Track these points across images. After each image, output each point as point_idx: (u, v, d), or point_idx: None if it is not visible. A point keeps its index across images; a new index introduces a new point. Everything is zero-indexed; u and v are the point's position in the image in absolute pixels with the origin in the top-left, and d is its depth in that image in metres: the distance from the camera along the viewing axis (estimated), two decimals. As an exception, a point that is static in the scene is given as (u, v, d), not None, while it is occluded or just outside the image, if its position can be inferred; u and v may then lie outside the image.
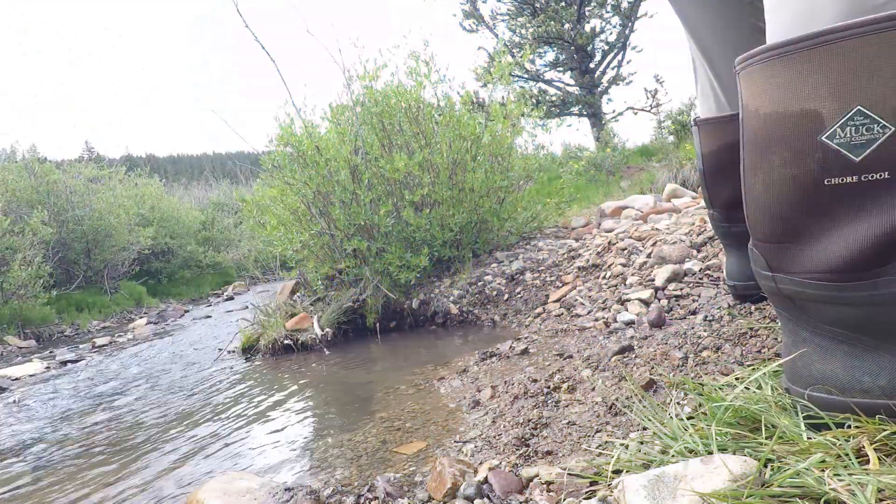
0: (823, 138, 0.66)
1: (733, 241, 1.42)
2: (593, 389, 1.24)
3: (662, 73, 23.69)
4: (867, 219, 0.66)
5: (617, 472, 0.80)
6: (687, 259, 2.02)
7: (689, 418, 0.87)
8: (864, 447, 0.64)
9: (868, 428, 0.67)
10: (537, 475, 0.91)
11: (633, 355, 1.39)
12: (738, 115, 1.24)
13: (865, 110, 0.62)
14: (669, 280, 1.92)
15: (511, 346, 1.85)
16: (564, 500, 0.81)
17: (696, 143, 1.37)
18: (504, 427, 1.18)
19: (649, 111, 13.24)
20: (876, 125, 0.62)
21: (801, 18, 0.69)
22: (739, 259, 1.43)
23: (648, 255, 2.23)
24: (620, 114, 13.89)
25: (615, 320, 1.83)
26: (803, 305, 0.75)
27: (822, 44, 0.63)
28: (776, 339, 1.19)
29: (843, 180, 0.66)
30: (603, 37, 13.60)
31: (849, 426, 0.69)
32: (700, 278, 1.86)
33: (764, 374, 0.89)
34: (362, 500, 0.99)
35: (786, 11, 0.71)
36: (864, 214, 0.66)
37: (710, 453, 0.71)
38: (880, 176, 0.64)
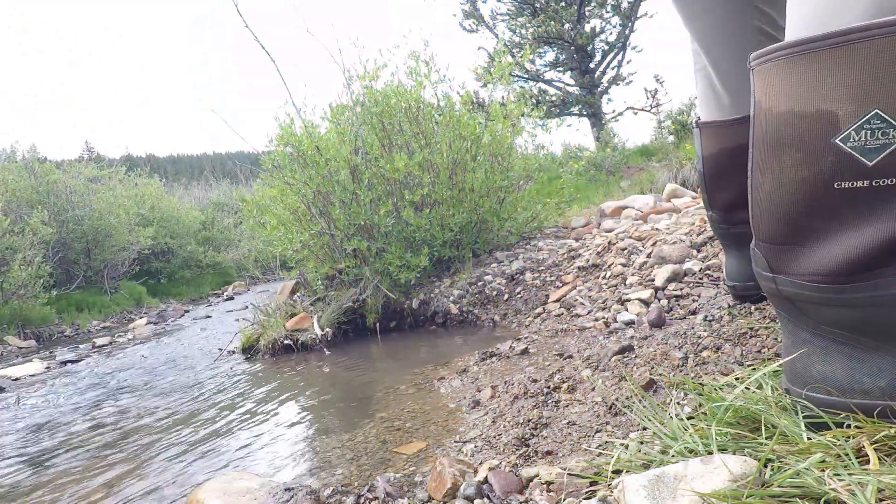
0: (837, 141, 0.64)
1: (732, 242, 1.42)
2: (593, 389, 1.24)
3: (662, 73, 23.71)
4: (875, 223, 0.65)
5: (617, 472, 0.80)
6: (687, 259, 2.02)
7: (689, 418, 0.87)
8: (864, 447, 0.64)
9: (868, 428, 0.67)
10: (537, 475, 0.91)
11: (633, 355, 1.39)
12: (739, 120, 1.25)
13: (883, 114, 0.61)
14: (669, 280, 1.92)
15: (511, 346, 1.85)
16: (564, 500, 0.81)
17: (697, 145, 1.37)
18: (504, 427, 1.18)
19: (649, 111, 13.24)
20: (892, 130, 0.61)
21: (823, 15, 0.67)
22: (739, 260, 1.43)
23: (648, 255, 2.23)
24: (620, 114, 13.90)
25: (615, 320, 1.83)
26: (803, 307, 0.75)
27: (844, 43, 0.62)
28: (776, 339, 1.19)
29: (853, 184, 0.65)
30: (603, 37, 13.61)
31: (848, 426, 0.69)
32: (700, 278, 1.86)
33: (764, 374, 0.89)
34: (362, 500, 0.99)
35: (808, 6, 0.70)
36: (872, 219, 0.65)
37: (710, 453, 0.71)
38: (892, 181, 0.63)
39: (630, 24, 13.23)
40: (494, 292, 2.68)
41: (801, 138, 0.68)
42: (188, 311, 6.11)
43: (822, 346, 0.74)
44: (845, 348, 0.71)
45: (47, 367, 3.44)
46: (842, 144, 0.64)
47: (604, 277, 2.29)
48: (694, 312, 1.65)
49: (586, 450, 0.97)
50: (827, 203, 0.68)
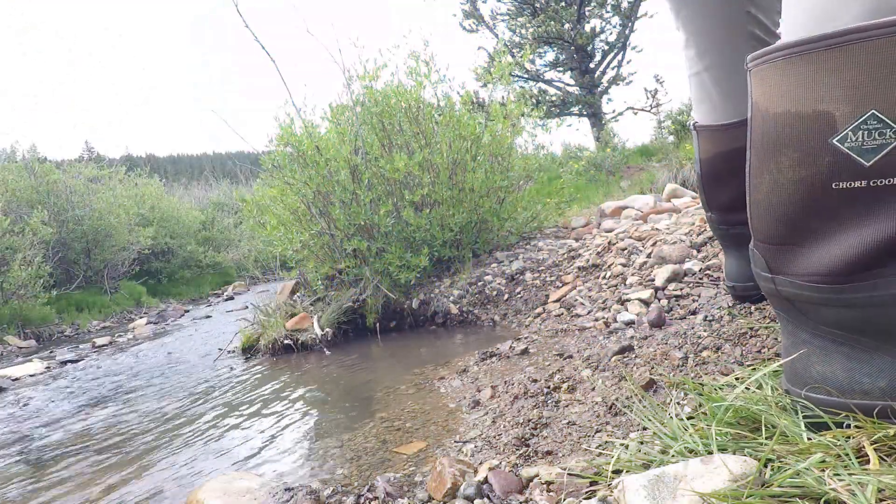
0: (834, 141, 0.64)
1: (731, 242, 1.42)
2: (593, 389, 1.24)
3: (662, 73, 23.75)
4: (873, 223, 0.65)
5: (617, 472, 0.80)
6: (687, 259, 2.02)
7: (689, 418, 0.87)
8: (864, 447, 0.64)
9: (868, 428, 0.67)
10: (537, 475, 0.91)
11: (633, 355, 1.39)
12: (735, 124, 1.25)
13: (879, 115, 0.61)
14: (669, 280, 1.92)
15: (511, 346, 1.85)
16: (564, 500, 0.81)
17: (695, 147, 1.38)
18: (504, 427, 1.18)
19: (649, 111, 13.25)
20: (889, 130, 0.61)
21: (820, 16, 0.67)
22: (738, 260, 1.43)
23: (648, 255, 2.23)
24: (620, 114, 13.92)
25: (615, 320, 1.83)
26: (802, 307, 0.75)
27: (841, 44, 0.62)
28: (776, 339, 1.19)
29: (851, 185, 0.65)
30: (603, 37, 13.62)
31: (848, 426, 0.69)
32: (700, 278, 1.86)
33: (764, 374, 0.89)
34: (362, 500, 0.99)
35: (805, 7, 0.69)
36: (870, 219, 0.65)
37: (710, 453, 0.71)
38: (889, 181, 0.63)
39: (630, 24, 13.24)
40: (494, 292, 2.69)
41: (798, 139, 0.68)
42: (188, 311, 6.11)
43: (821, 346, 0.74)
44: (845, 349, 0.71)
45: (47, 367, 3.44)
46: (839, 145, 0.64)
47: (604, 277, 2.29)
48: (694, 312, 1.65)
49: (586, 450, 0.97)
50: (825, 203, 0.68)
